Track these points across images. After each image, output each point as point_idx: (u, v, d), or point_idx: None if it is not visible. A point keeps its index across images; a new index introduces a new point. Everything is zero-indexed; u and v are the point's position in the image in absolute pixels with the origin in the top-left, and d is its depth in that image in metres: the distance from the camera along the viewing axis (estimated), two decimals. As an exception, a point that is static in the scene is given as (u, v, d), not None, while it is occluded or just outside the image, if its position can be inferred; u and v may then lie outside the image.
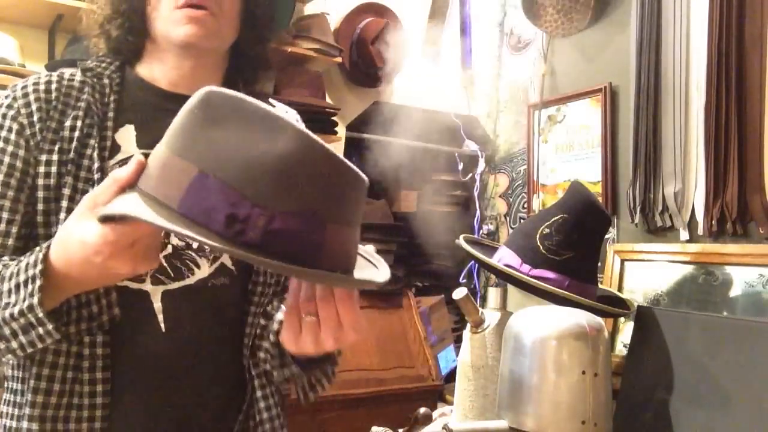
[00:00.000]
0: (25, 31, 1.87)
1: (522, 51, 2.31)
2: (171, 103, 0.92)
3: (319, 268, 0.60)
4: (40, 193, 0.86)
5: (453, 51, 2.42)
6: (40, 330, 0.71)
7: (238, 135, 0.59)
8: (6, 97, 0.89)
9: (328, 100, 2.13)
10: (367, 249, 0.77)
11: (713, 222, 1.55)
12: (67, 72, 0.93)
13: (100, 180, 0.84)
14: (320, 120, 1.99)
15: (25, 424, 0.83)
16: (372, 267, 0.74)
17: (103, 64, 0.95)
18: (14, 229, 0.85)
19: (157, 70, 0.95)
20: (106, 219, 0.61)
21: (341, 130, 2.10)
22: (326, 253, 0.61)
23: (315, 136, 0.60)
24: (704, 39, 1.60)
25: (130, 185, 0.63)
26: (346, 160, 0.62)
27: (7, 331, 0.72)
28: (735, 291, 1.43)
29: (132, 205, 0.60)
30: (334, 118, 2.03)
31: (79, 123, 0.88)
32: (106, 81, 0.93)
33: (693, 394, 1.19)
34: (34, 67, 1.80)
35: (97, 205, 0.63)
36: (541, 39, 2.17)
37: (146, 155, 0.81)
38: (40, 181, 0.86)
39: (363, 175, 0.64)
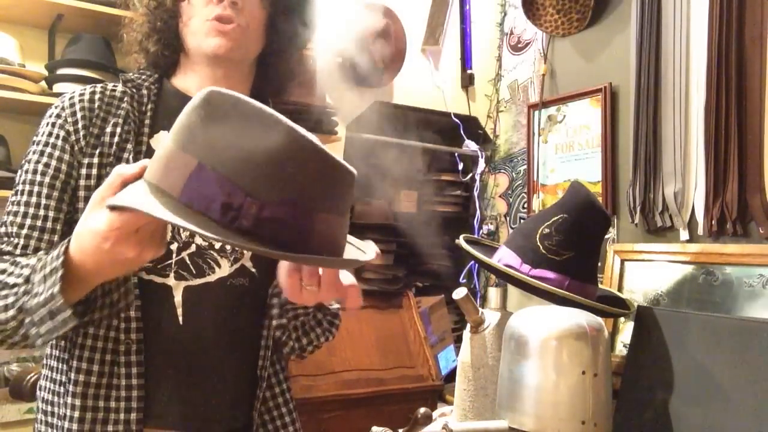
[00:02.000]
0: (25, 31, 1.87)
1: (522, 51, 2.32)
2: None
3: (308, 252, 0.65)
4: (82, 193, 0.94)
5: (453, 51, 2.42)
6: (60, 317, 0.76)
7: (234, 131, 0.63)
8: (55, 107, 0.98)
9: (328, 100, 2.13)
10: (356, 240, 0.82)
11: (713, 222, 1.55)
12: (111, 84, 1.02)
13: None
14: (320, 120, 1.98)
15: (69, 400, 0.91)
16: (360, 252, 0.79)
17: (143, 77, 1.04)
18: (59, 227, 0.93)
19: (190, 81, 1.03)
20: (113, 208, 0.65)
21: (341, 130, 2.10)
22: (315, 239, 0.66)
23: (305, 132, 0.64)
24: (704, 39, 1.60)
25: (136, 179, 0.68)
26: (333, 154, 0.66)
27: (36, 317, 0.78)
28: (735, 291, 1.43)
29: (136, 195, 0.65)
30: (334, 118, 2.02)
31: (118, 129, 0.97)
32: (144, 92, 1.01)
33: (693, 394, 1.19)
34: (34, 67, 1.80)
35: (104, 199, 0.68)
36: (541, 39, 2.17)
37: None
38: (82, 182, 0.94)
39: (350, 168, 0.68)
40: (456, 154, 2.33)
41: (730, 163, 1.52)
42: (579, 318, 1.15)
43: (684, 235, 1.63)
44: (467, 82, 2.41)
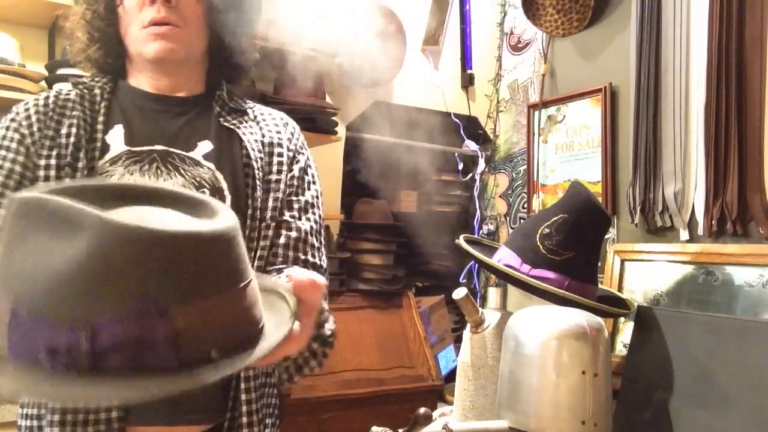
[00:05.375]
0: (25, 31, 1.87)
1: (522, 51, 2.31)
2: (156, 104, 1.02)
3: (179, 359, 0.52)
4: None
5: (453, 51, 2.42)
6: None
7: (36, 249, 0.50)
8: (10, 113, 0.99)
9: (328, 100, 2.13)
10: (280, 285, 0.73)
11: (713, 222, 1.55)
12: (65, 88, 1.02)
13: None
14: (320, 120, 1.98)
15: (50, 402, 0.88)
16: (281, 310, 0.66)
17: (96, 78, 1.04)
18: None
19: (141, 79, 1.02)
20: None
21: (341, 130, 2.10)
22: (186, 340, 0.52)
23: (124, 221, 0.50)
24: (704, 39, 1.60)
25: None
26: (169, 227, 0.52)
27: None
28: (735, 291, 1.43)
29: None
30: (334, 118, 2.03)
31: (74, 129, 0.95)
32: (97, 91, 1.01)
33: (693, 394, 1.19)
34: (34, 67, 1.79)
35: None
36: (541, 39, 2.17)
37: (132, 152, 0.93)
38: (41, 184, 0.91)
39: (204, 231, 0.54)
40: (456, 154, 2.33)
41: (730, 163, 1.52)
42: (579, 318, 1.15)
43: (684, 235, 1.63)
44: (467, 82, 2.41)
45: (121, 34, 1.00)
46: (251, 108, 1.10)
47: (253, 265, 0.97)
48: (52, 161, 0.94)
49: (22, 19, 1.85)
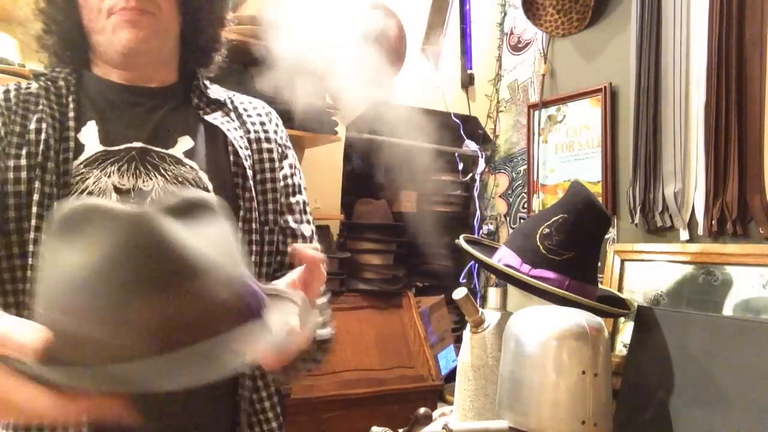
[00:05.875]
0: (25, 31, 1.87)
1: (522, 51, 2.31)
2: (129, 96, 0.93)
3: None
4: (11, 200, 0.83)
5: (453, 51, 2.42)
6: None
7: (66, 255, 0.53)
8: None
9: (328, 100, 2.13)
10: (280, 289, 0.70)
11: (713, 222, 1.55)
12: (24, 81, 0.93)
13: (66, 184, 0.84)
14: (320, 120, 1.98)
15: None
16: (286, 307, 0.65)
17: (57, 69, 0.94)
18: None
19: (109, 69, 0.93)
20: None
21: (341, 130, 2.10)
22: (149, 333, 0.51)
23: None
24: (704, 39, 1.60)
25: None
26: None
27: None
28: (735, 291, 1.43)
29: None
30: (334, 118, 2.02)
31: (43, 125, 0.86)
32: (61, 83, 0.92)
33: (693, 394, 1.19)
34: (34, 67, 1.79)
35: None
36: (541, 39, 2.17)
37: (108, 152, 0.84)
38: (10, 188, 0.83)
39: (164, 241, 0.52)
40: (456, 154, 2.33)
41: (730, 163, 1.52)
42: (579, 318, 1.15)
43: (684, 235, 1.63)
44: (467, 82, 2.41)
45: (82, 25, 0.90)
46: (230, 98, 1.02)
47: (258, 270, 0.93)
48: (22, 161, 0.84)
49: (22, 19, 1.84)
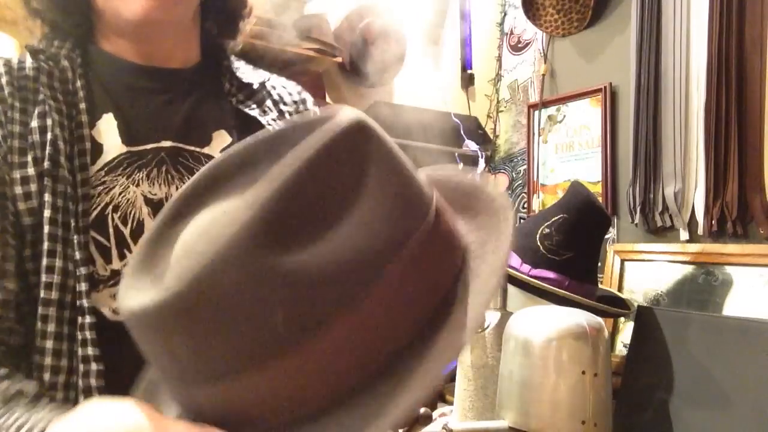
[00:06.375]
0: (25, 31, 1.87)
1: (522, 51, 2.31)
2: (150, 80, 0.77)
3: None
4: (27, 220, 0.67)
5: (453, 51, 2.42)
6: None
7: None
8: None
9: (328, 100, 2.12)
10: None
11: (713, 222, 1.55)
12: (15, 60, 0.73)
13: (86, 196, 0.68)
14: (320, 120, 1.99)
15: None
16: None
17: (56, 43, 0.75)
18: (9, 267, 0.66)
19: (121, 43, 0.75)
20: None
21: (341, 130, 2.10)
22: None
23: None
24: (704, 39, 1.59)
25: None
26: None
27: None
28: (735, 291, 1.43)
29: None
30: (334, 118, 2.03)
31: (49, 122, 0.69)
32: (65, 63, 0.73)
33: (693, 394, 1.19)
34: (34, 67, 1.80)
35: None
36: (541, 39, 2.17)
37: (133, 153, 0.67)
38: (23, 206, 0.67)
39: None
40: (456, 154, 2.33)
41: (730, 163, 1.52)
42: (579, 318, 1.15)
43: (684, 235, 1.63)
44: (467, 82, 2.41)
45: None
46: (264, 80, 0.86)
47: None
48: (30, 171, 0.67)
49: (22, 19, 1.84)
